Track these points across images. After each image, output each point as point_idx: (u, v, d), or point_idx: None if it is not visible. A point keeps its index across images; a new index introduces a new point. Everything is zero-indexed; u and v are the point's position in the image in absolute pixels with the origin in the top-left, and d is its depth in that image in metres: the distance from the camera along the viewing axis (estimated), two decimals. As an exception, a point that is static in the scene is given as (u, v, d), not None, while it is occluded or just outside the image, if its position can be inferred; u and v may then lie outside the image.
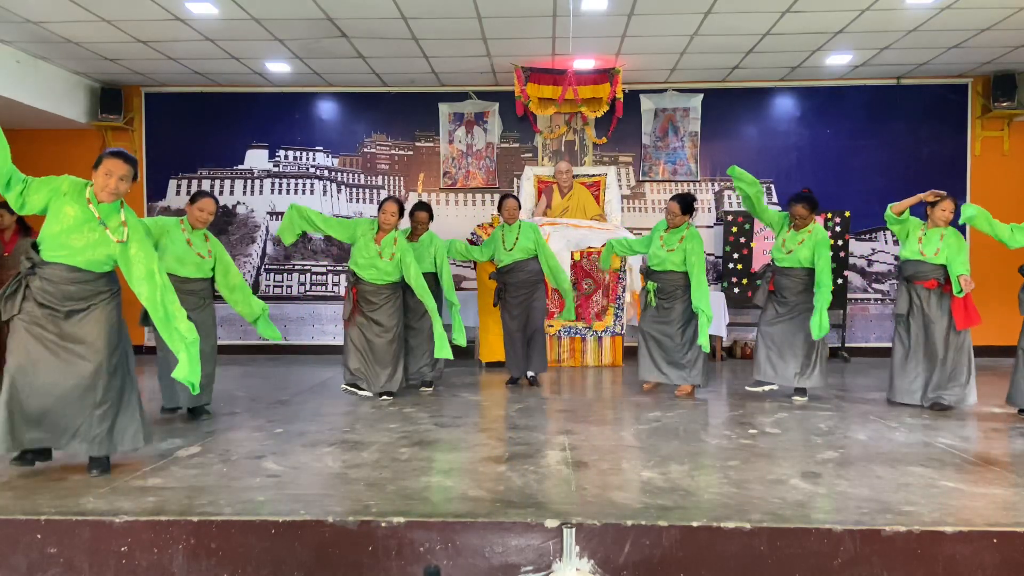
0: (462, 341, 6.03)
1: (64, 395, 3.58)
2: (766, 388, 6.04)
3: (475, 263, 7.98)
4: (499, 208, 6.52)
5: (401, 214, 5.90)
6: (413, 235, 6.35)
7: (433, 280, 6.27)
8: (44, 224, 3.57)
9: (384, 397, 5.90)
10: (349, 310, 5.87)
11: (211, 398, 5.31)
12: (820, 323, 5.52)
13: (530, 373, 6.51)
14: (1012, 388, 5.32)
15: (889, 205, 5.62)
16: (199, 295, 5.08)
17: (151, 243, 3.80)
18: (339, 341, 8.59)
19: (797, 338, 5.75)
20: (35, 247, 3.60)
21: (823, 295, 5.54)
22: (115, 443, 3.71)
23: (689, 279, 5.88)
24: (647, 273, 6.17)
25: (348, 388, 6.05)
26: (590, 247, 7.72)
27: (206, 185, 9.26)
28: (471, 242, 7.94)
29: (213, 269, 5.15)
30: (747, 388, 6.17)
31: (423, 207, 6.42)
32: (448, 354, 5.60)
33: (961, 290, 5.30)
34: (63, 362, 3.57)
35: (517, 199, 6.52)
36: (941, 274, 5.46)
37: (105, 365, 3.63)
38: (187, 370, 3.60)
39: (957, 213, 5.50)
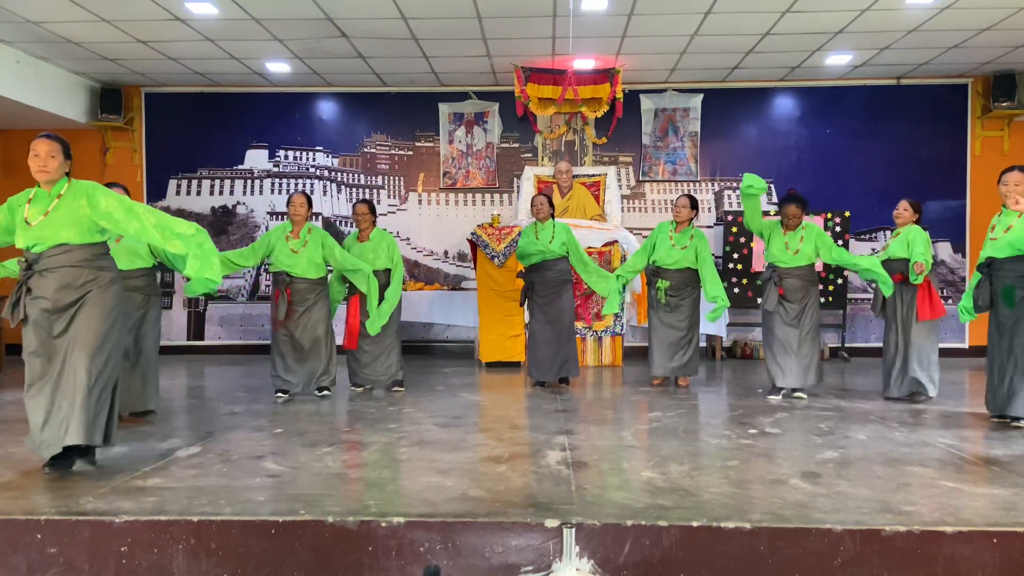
0: (373, 330, 5.97)
1: (66, 390, 3.58)
2: (784, 393, 6.03)
3: (475, 263, 7.99)
4: (531, 205, 6.49)
5: (309, 205, 5.93)
6: (362, 234, 6.26)
7: (386, 277, 6.17)
8: (16, 239, 3.63)
9: (323, 392, 5.94)
10: (284, 311, 5.77)
11: (157, 404, 5.15)
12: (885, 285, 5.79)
13: (563, 377, 6.40)
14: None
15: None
16: (143, 291, 4.95)
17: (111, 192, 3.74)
18: (339, 342, 8.58)
19: (804, 337, 5.89)
20: (26, 250, 3.64)
21: (872, 263, 5.79)
22: (96, 434, 3.63)
23: (697, 277, 6.33)
24: (656, 272, 6.44)
25: (280, 395, 5.95)
26: (590, 247, 7.70)
27: (206, 185, 9.27)
28: (471, 243, 7.93)
29: (153, 256, 5.02)
30: (770, 398, 6.00)
31: (363, 201, 6.32)
32: (375, 330, 5.88)
33: (916, 276, 5.58)
34: (63, 355, 3.58)
35: (548, 196, 6.43)
36: (904, 268, 5.77)
37: (95, 352, 3.59)
38: (198, 265, 3.58)
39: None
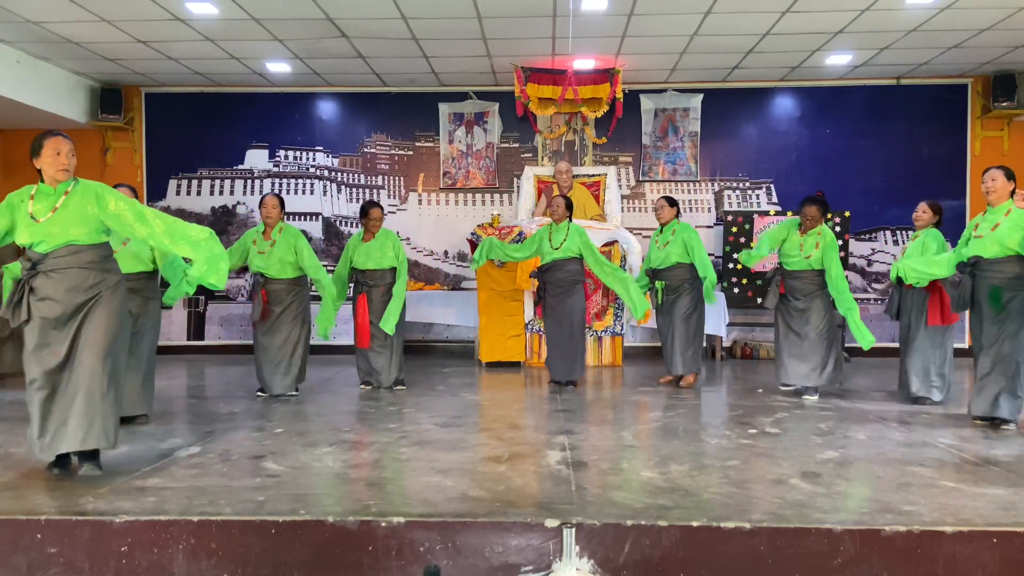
0: (389, 329, 6.07)
1: (74, 393, 3.56)
2: (792, 388, 6.14)
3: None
4: (548, 205, 6.55)
5: (282, 206, 5.97)
6: (367, 235, 6.29)
7: (392, 276, 6.27)
8: (17, 236, 3.58)
9: (291, 394, 5.92)
10: (259, 311, 5.82)
11: (151, 407, 5.03)
12: (861, 334, 5.68)
13: (569, 378, 6.34)
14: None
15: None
16: (142, 294, 4.85)
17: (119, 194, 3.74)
18: (340, 341, 8.60)
19: (809, 337, 5.85)
20: (23, 250, 3.60)
21: (848, 302, 5.73)
22: (107, 437, 3.61)
23: (693, 272, 6.37)
24: (653, 275, 6.56)
25: (260, 394, 6.01)
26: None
27: (206, 185, 9.27)
28: (471, 243, 7.93)
29: (154, 261, 4.96)
30: (782, 388, 6.20)
31: (375, 204, 6.38)
32: (323, 334, 5.91)
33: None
34: (71, 359, 3.55)
35: (568, 199, 6.42)
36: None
37: (106, 355, 3.59)
38: (205, 269, 3.65)
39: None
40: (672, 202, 6.54)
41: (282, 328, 5.86)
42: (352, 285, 6.39)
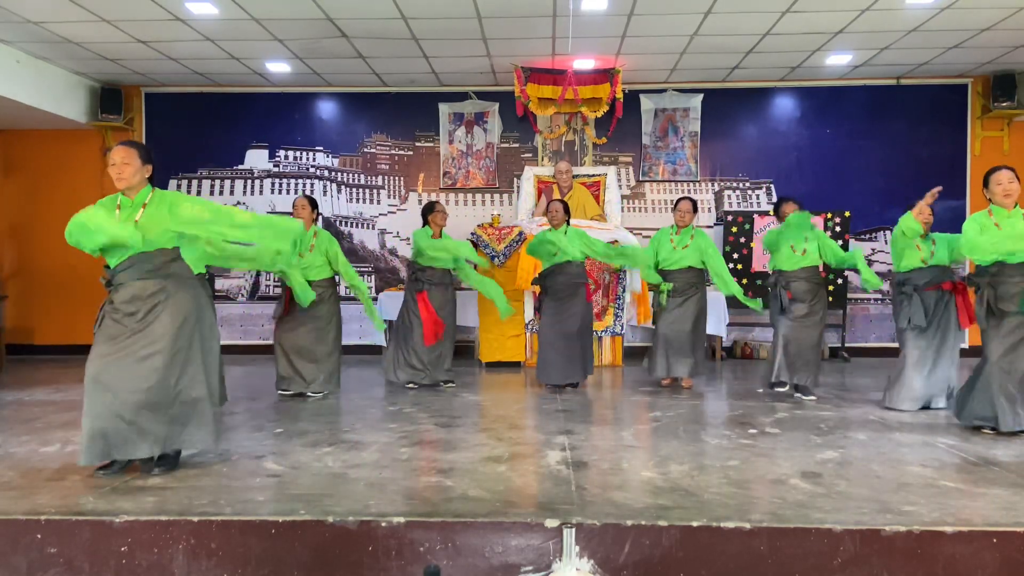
0: (504, 311, 6.26)
1: (136, 399, 3.58)
2: (783, 390, 6.04)
3: (475, 264, 7.98)
4: (545, 211, 6.63)
5: (315, 208, 6.02)
6: (436, 230, 6.46)
7: (449, 275, 6.51)
8: (97, 238, 3.60)
9: (309, 395, 5.91)
10: (279, 310, 5.84)
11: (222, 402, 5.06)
12: (870, 279, 5.71)
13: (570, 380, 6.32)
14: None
15: (910, 223, 5.30)
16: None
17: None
18: (344, 341, 8.57)
19: (811, 341, 5.86)
20: (107, 268, 3.68)
21: (859, 258, 5.85)
22: (182, 440, 3.70)
23: (700, 277, 6.43)
24: (660, 274, 6.49)
25: (281, 392, 6.03)
26: (590, 247, 7.71)
27: (206, 185, 9.27)
28: (472, 243, 7.92)
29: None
30: (771, 390, 6.06)
31: (437, 201, 6.64)
32: (380, 327, 6.07)
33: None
34: (134, 365, 3.58)
35: (565, 204, 6.45)
36: (949, 275, 5.53)
37: (172, 359, 3.63)
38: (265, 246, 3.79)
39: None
40: (695, 207, 6.51)
41: (306, 328, 5.85)
42: (410, 281, 6.52)
